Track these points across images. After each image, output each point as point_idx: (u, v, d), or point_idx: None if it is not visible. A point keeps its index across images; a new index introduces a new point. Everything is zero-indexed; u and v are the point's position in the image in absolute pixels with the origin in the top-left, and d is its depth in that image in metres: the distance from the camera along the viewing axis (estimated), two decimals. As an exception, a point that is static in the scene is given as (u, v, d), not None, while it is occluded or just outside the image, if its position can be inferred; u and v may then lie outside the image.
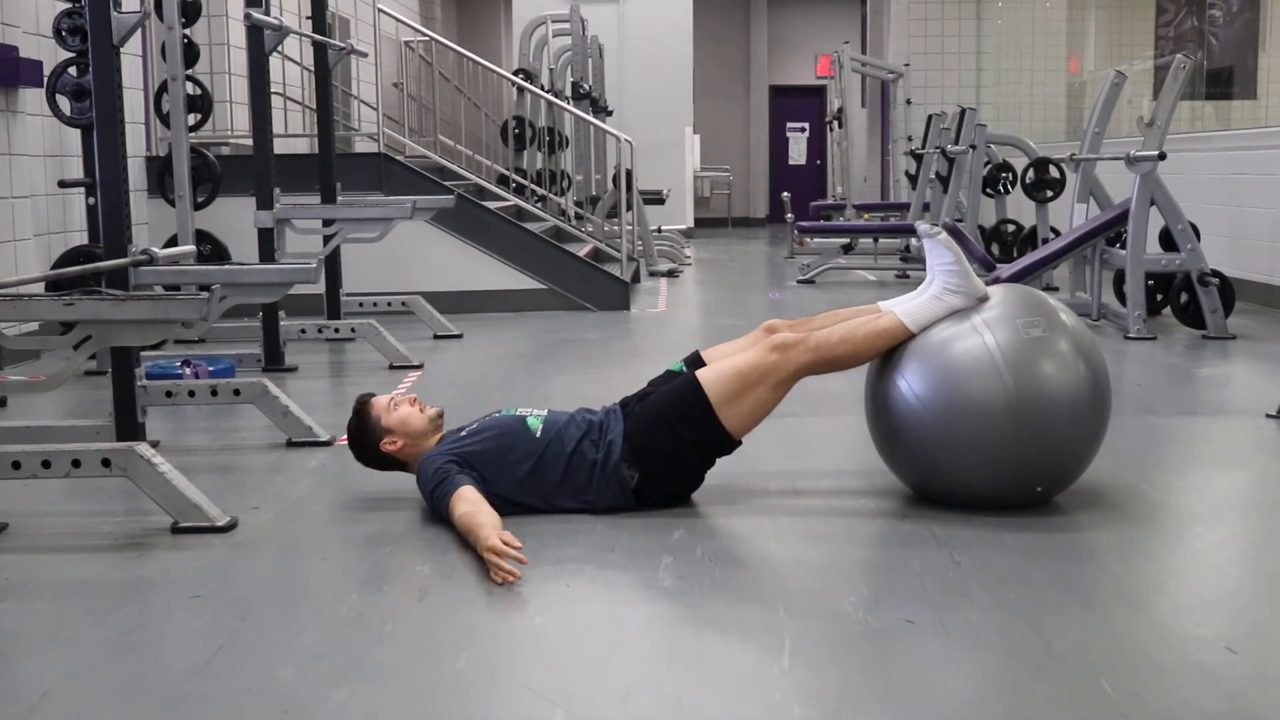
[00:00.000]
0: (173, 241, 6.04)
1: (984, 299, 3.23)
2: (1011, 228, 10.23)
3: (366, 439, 3.35)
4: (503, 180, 9.62)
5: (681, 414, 3.24)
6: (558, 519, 3.21)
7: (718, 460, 3.34)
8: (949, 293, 3.23)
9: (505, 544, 2.74)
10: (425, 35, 9.66)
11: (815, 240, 11.43)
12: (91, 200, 6.14)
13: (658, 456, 3.24)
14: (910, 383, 3.19)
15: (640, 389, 3.45)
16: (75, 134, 6.43)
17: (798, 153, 20.65)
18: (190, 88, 6.47)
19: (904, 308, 3.28)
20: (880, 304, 3.36)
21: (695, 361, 3.42)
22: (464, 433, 3.29)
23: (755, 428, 3.32)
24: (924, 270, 3.34)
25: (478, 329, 7.06)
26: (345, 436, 3.45)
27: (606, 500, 3.24)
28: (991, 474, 3.16)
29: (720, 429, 3.24)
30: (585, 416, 3.33)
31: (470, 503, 3.00)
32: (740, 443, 3.32)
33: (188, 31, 6.33)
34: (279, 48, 6.01)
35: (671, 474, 3.29)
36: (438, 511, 3.12)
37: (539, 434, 3.25)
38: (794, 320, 3.46)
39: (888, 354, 3.29)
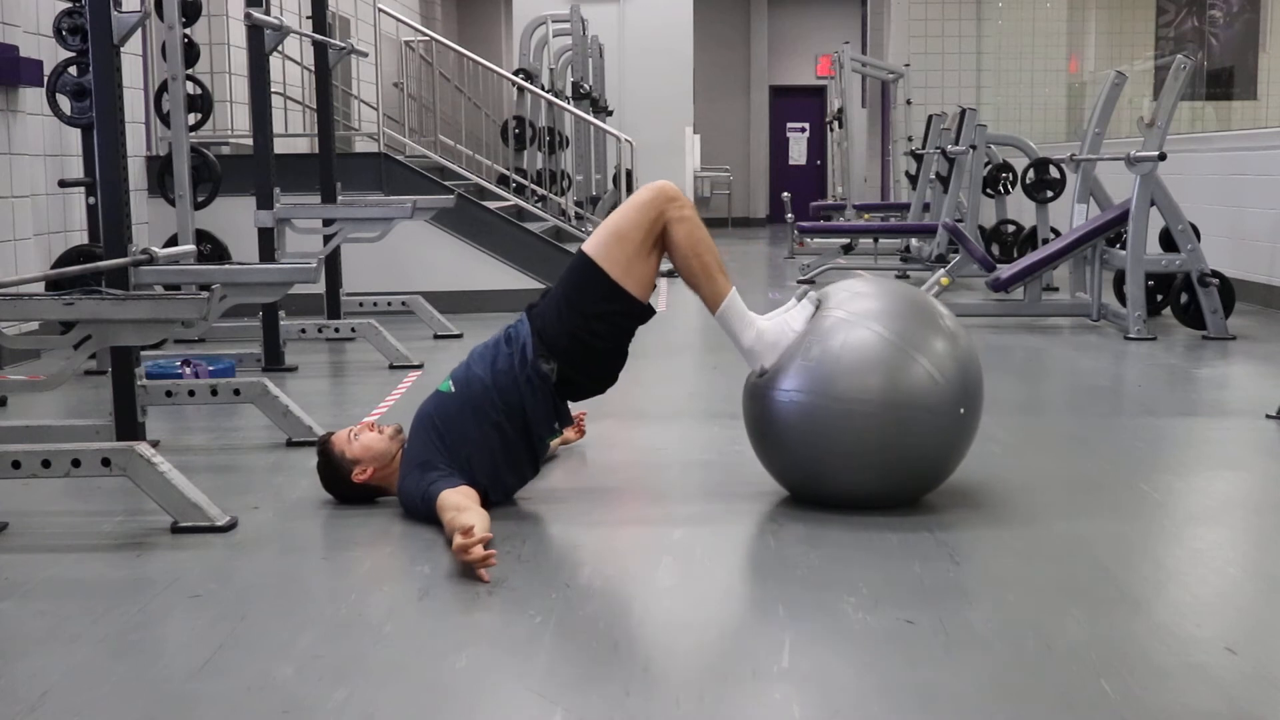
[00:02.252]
0: (173, 241, 6.04)
1: (761, 372, 3.24)
2: (1011, 228, 10.23)
3: (337, 475, 3.36)
4: (503, 180, 9.62)
5: (581, 291, 3.24)
6: (557, 519, 3.21)
7: (636, 329, 3.32)
8: (759, 336, 3.23)
9: (465, 536, 2.71)
10: (425, 35, 9.67)
11: (815, 240, 11.43)
12: (91, 200, 6.15)
13: (570, 341, 3.23)
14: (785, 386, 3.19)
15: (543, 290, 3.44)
16: (75, 133, 6.43)
17: (798, 153, 20.65)
18: (190, 87, 6.48)
19: (738, 299, 3.27)
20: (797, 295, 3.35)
21: None
22: (408, 441, 3.31)
23: (653, 289, 3.32)
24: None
25: (478, 329, 7.06)
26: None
27: (541, 406, 3.24)
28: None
29: (618, 289, 3.21)
30: (484, 345, 3.36)
31: (450, 508, 3.00)
32: (654, 310, 3.30)
33: (188, 31, 6.33)
34: (279, 47, 6.01)
35: (589, 355, 3.27)
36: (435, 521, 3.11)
37: (454, 389, 3.28)
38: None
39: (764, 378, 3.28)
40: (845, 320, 3.17)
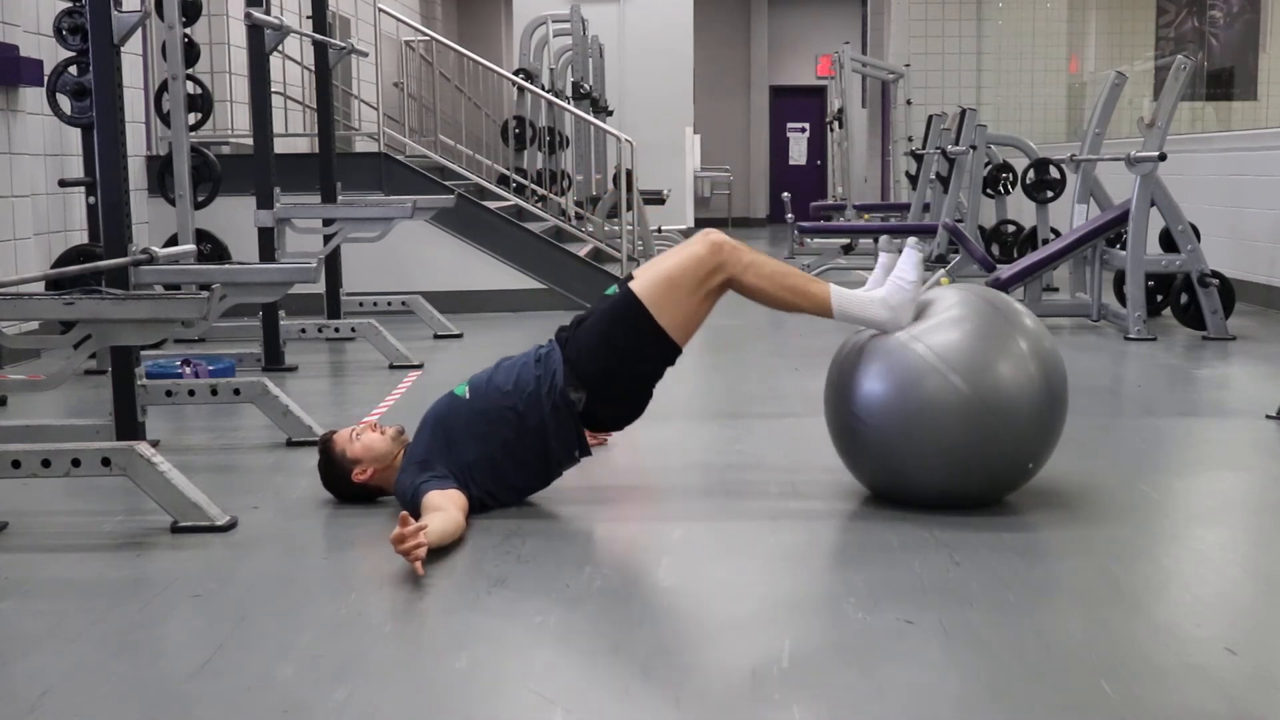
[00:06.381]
0: (173, 241, 6.04)
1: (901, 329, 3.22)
2: (1012, 228, 10.23)
3: (337, 474, 3.36)
4: (503, 180, 9.61)
5: (623, 327, 3.21)
6: (557, 519, 3.22)
7: (665, 372, 3.32)
8: (885, 306, 3.22)
9: (403, 526, 2.71)
10: (426, 35, 9.65)
11: (815, 240, 11.42)
12: (92, 199, 6.15)
13: (603, 374, 3.23)
14: (863, 397, 3.20)
15: (576, 316, 3.40)
16: (75, 133, 6.43)
17: (798, 153, 20.66)
18: (191, 87, 6.48)
19: (839, 289, 3.27)
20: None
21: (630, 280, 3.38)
22: (413, 438, 3.32)
23: (695, 334, 3.31)
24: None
25: (478, 329, 7.07)
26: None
27: (566, 432, 3.23)
28: (949, 474, 3.18)
29: (662, 334, 3.21)
30: (512, 360, 3.34)
31: (429, 508, 3.01)
32: (681, 351, 3.29)
33: (188, 31, 6.33)
34: (279, 47, 6.01)
35: (619, 392, 3.28)
36: None
37: (469, 395, 3.28)
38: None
39: (844, 369, 3.28)
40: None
